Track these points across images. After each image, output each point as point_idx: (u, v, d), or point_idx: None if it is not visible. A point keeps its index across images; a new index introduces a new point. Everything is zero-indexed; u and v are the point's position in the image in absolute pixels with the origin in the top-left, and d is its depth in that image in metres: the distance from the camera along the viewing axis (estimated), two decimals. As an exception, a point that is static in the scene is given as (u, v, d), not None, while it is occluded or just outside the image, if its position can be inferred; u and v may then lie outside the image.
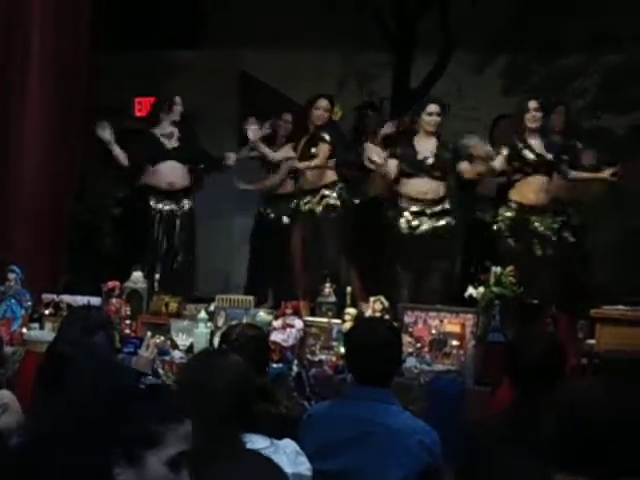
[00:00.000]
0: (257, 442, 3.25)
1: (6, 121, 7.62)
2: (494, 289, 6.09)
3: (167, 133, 7.98)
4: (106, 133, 7.89)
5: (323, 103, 7.92)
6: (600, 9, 9.38)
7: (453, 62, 10.15)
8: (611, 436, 2.58)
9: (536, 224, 7.44)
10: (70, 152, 7.87)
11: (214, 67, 10.22)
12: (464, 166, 7.45)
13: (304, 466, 3.41)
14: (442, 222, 7.44)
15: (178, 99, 8.06)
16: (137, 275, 7.04)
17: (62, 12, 7.71)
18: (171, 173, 7.92)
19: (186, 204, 8.00)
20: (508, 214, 7.44)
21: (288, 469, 3.30)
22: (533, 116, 7.47)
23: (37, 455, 1.93)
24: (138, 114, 10.65)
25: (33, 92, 7.60)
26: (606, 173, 7.56)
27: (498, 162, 7.40)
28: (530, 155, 7.40)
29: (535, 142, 7.47)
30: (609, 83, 9.68)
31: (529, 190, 7.44)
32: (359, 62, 10.47)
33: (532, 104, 7.51)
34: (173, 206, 7.94)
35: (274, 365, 5.71)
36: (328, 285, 6.90)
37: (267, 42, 10.01)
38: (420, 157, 7.43)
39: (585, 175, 7.73)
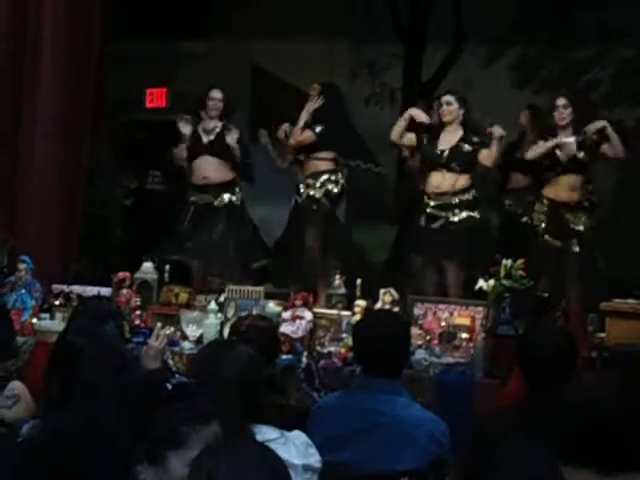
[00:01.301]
0: (267, 433, 3.25)
1: (17, 109, 7.64)
2: (504, 282, 6.08)
3: (209, 128, 7.98)
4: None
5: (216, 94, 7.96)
6: (611, 1, 9.35)
7: (464, 54, 10.13)
8: (619, 430, 2.58)
9: (570, 221, 7.37)
10: (81, 141, 7.88)
11: (225, 58, 10.21)
12: (482, 154, 7.37)
13: (314, 458, 3.42)
14: (463, 215, 7.37)
15: (213, 93, 7.98)
16: (147, 266, 7.05)
17: (74, 1, 7.72)
18: (205, 168, 7.90)
19: (225, 197, 7.97)
20: (543, 209, 7.36)
21: (298, 460, 3.31)
22: (561, 113, 7.40)
23: (55, 450, 1.93)
24: (149, 105, 10.66)
25: (44, 81, 7.60)
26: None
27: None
28: (561, 155, 7.33)
29: (568, 140, 7.37)
30: (621, 76, 9.65)
31: (562, 188, 7.35)
32: (370, 53, 10.45)
33: (560, 101, 7.44)
34: (211, 199, 7.93)
35: (283, 356, 5.72)
36: (338, 277, 6.90)
37: (278, 33, 10.01)
38: (437, 151, 7.39)
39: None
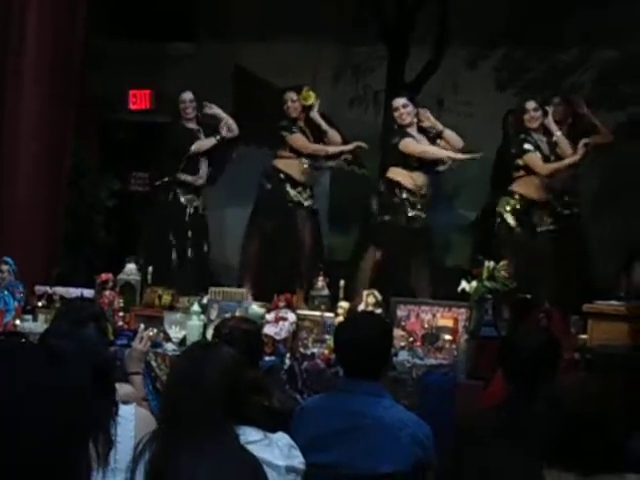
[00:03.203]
0: (250, 435, 3.25)
1: (0, 110, 7.60)
2: (487, 283, 6.10)
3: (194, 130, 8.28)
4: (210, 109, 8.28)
5: (291, 96, 8.04)
6: (596, 3, 9.37)
7: (448, 56, 10.13)
8: (601, 431, 2.59)
9: (537, 218, 7.53)
10: (64, 142, 7.85)
11: (210, 60, 10.19)
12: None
13: (297, 459, 3.42)
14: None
15: (183, 96, 8.21)
16: (130, 267, 7.03)
17: (59, 1, 7.69)
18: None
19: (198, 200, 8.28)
20: (512, 203, 7.51)
21: (281, 462, 3.31)
22: (532, 116, 7.55)
23: None
24: (133, 107, 10.64)
25: (27, 81, 7.56)
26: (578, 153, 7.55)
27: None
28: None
29: (541, 142, 7.56)
30: (605, 78, 9.67)
31: (532, 185, 7.53)
32: (354, 55, 10.46)
33: (530, 104, 7.60)
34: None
35: (266, 358, 5.70)
36: (321, 278, 6.91)
37: (264, 34, 10.00)
38: None
39: (562, 164, 7.69)
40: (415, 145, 7.62)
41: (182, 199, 8.17)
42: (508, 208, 7.55)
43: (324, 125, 8.19)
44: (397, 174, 7.68)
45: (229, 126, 8.26)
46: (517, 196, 7.59)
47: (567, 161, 7.54)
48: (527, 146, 7.55)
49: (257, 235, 8.22)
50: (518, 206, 7.55)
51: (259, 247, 8.21)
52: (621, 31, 9.28)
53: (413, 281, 7.60)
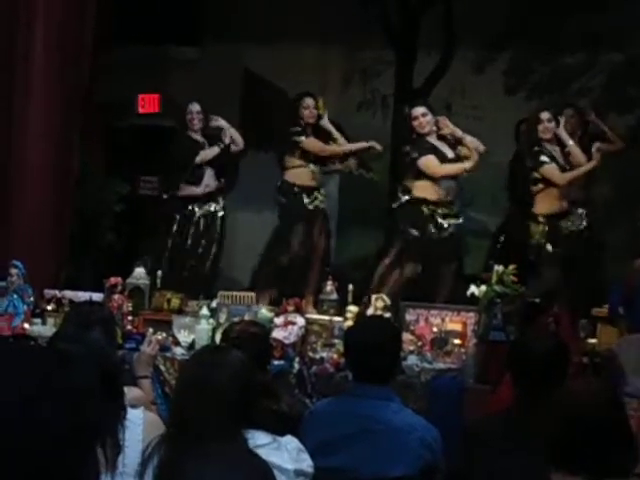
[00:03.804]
0: (259, 438, 3.25)
1: (9, 114, 7.62)
2: (496, 288, 6.09)
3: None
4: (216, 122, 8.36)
5: (310, 102, 8.03)
6: (603, 7, 9.36)
7: (456, 60, 10.13)
8: (608, 436, 2.59)
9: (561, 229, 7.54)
10: (72, 147, 7.86)
11: (217, 64, 10.20)
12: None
13: (306, 463, 3.42)
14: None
15: (191, 107, 8.23)
16: (139, 271, 7.04)
17: (66, 6, 7.70)
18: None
19: (212, 206, 8.24)
20: (541, 229, 7.48)
21: (290, 465, 3.31)
22: (546, 127, 7.51)
23: None
24: (141, 111, 10.65)
25: (36, 86, 7.58)
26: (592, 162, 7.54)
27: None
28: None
29: (555, 152, 7.54)
30: (613, 82, 9.66)
31: (552, 199, 7.51)
32: (362, 59, 10.46)
33: (544, 115, 7.55)
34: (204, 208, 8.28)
35: (275, 362, 5.71)
36: (330, 282, 6.91)
37: (270, 38, 10.00)
38: None
39: (580, 171, 7.67)
40: (435, 165, 7.50)
41: (191, 206, 8.19)
42: (541, 237, 7.49)
43: (335, 132, 8.18)
44: (421, 190, 7.58)
45: (234, 139, 8.28)
46: (541, 219, 7.50)
47: (584, 168, 7.49)
48: (543, 158, 7.49)
49: (283, 249, 8.16)
50: (547, 228, 7.49)
51: (283, 259, 8.17)
52: (625, 34, 9.27)
53: (440, 288, 7.52)
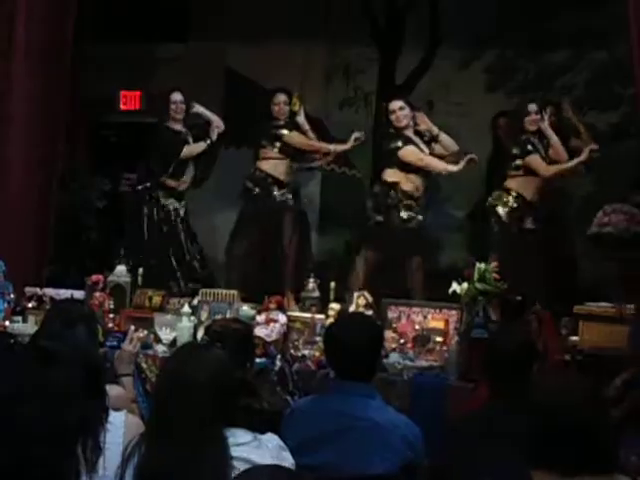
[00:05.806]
0: (240, 436, 3.24)
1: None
2: (478, 285, 6.09)
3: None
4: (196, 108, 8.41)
5: (281, 98, 8.01)
6: (587, 5, 9.38)
7: (439, 57, 10.12)
8: (586, 432, 2.59)
9: (530, 219, 7.56)
10: (54, 143, 7.82)
11: (200, 61, 10.18)
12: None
13: (287, 461, 3.41)
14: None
15: (174, 96, 8.22)
16: (120, 269, 7.02)
17: (48, 2, 7.67)
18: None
19: (182, 203, 8.36)
20: (508, 200, 7.53)
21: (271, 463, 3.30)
22: (533, 119, 7.57)
23: None
24: (123, 107, 10.62)
25: (17, 82, 7.53)
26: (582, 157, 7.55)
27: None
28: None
29: (538, 145, 7.58)
30: (596, 80, 9.67)
31: (530, 186, 7.55)
32: (345, 56, 10.44)
33: (532, 107, 7.60)
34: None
35: (257, 360, 5.69)
36: (312, 280, 6.91)
37: (253, 36, 9.97)
38: None
39: (566, 166, 7.69)
40: (416, 155, 7.57)
41: (163, 202, 8.18)
42: (503, 204, 7.55)
43: (310, 133, 8.21)
44: (393, 176, 7.65)
45: (217, 123, 8.30)
46: (514, 193, 7.58)
47: (571, 164, 7.51)
48: (530, 147, 7.56)
49: (244, 238, 8.20)
50: (515, 205, 7.54)
51: (246, 250, 8.19)
52: (610, 32, 9.28)
53: (408, 283, 7.59)
